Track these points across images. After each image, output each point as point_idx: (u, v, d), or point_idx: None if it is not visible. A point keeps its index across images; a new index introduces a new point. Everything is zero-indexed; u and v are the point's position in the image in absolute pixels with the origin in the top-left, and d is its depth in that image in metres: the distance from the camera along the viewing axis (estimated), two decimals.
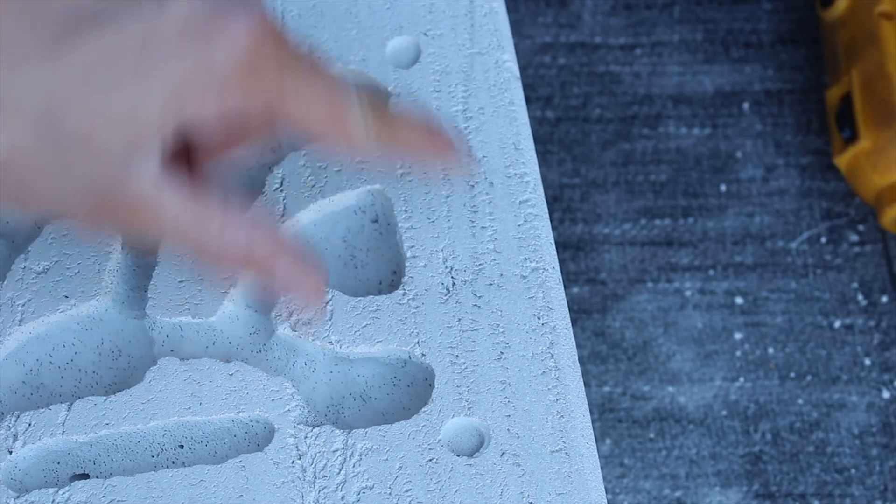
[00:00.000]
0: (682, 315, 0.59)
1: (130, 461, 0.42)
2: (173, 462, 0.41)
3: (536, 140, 0.62)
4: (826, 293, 0.59)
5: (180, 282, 0.43)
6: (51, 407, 0.41)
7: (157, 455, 0.42)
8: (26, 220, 0.44)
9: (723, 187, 0.62)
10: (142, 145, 0.34)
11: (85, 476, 0.41)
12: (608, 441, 0.56)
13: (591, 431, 0.42)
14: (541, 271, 0.44)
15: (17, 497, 0.40)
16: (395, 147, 0.39)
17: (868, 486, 0.55)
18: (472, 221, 0.45)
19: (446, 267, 0.44)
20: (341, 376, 0.43)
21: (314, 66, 0.36)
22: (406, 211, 0.45)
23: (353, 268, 0.46)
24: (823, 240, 0.61)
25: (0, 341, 0.42)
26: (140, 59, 0.33)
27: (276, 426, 0.41)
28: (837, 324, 0.59)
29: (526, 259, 0.44)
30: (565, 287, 0.59)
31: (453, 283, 0.44)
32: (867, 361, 0.58)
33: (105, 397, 0.41)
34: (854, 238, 0.61)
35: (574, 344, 0.43)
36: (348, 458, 0.41)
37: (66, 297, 0.43)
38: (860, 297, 0.59)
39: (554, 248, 0.45)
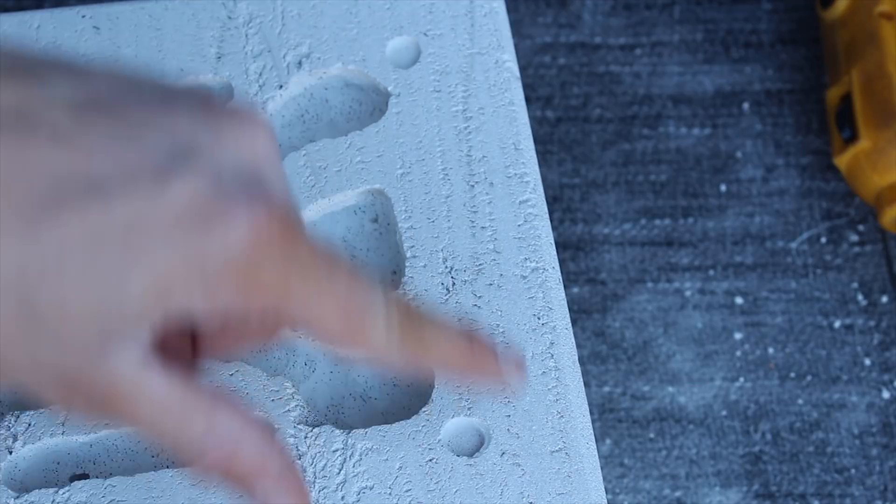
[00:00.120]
0: (682, 315, 0.59)
1: (130, 461, 0.42)
2: (173, 462, 0.41)
3: (536, 140, 0.62)
4: (826, 293, 0.59)
5: None
6: (51, 407, 0.41)
7: (157, 455, 0.42)
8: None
9: (723, 187, 0.62)
10: (119, 334, 0.30)
11: (85, 476, 0.41)
12: (608, 441, 0.56)
13: (591, 431, 0.42)
14: (541, 271, 0.44)
15: (17, 497, 0.40)
16: (424, 361, 0.35)
17: (868, 486, 0.55)
18: (472, 221, 0.45)
19: (446, 267, 0.44)
20: (341, 376, 0.43)
21: (330, 268, 0.32)
22: (406, 211, 0.45)
23: None
24: (823, 240, 0.61)
25: None
26: (125, 244, 0.29)
27: (276, 426, 0.41)
28: (837, 324, 0.59)
29: (526, 259, 0.44)
30: (565, 287, 0.59)
31: (453, 283, 0.44)
32: (867, 361, 0.58)
33: None
34: (854, 238, 0.61)
35: (574, 344, 0.43)
36: (348, 458, 0.41)
37: None
38: (860, 297, 0.59)
39: (554, 248, 0.45)
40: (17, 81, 0.30)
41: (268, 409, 0.41)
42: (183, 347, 0.35)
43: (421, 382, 0.43)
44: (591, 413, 0.56)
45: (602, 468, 0.55)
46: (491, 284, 0.44)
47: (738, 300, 0.59)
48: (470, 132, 0.46)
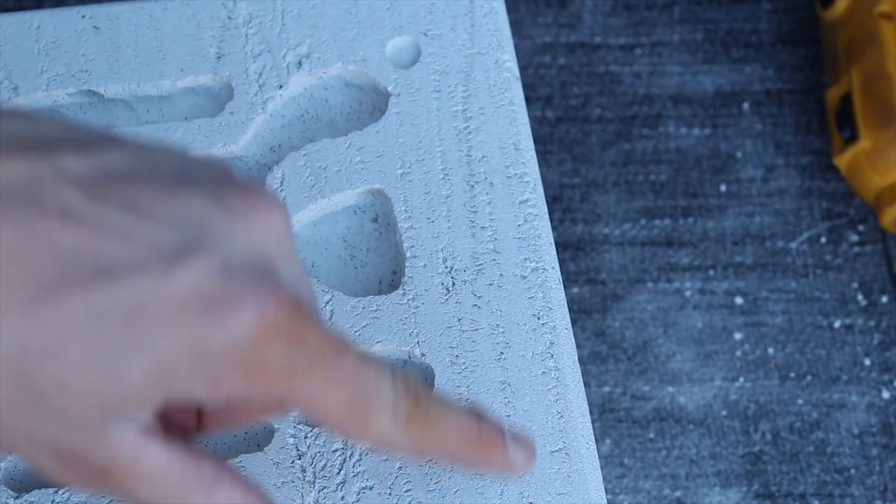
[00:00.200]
0: (682, 315, 0.59)
1: None
2: None
3: (536, 140, 0.62)
4: (826, 293, 0.59)
5: None
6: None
7: None
8: None
9: (723, 187, 0.62)
10: (119, 414, 0.30)
11: None
12: (608, 441, 0.56)
13: (591, 431, 0.42)
14: (541, 271, 0.44)
15: (17, 497, 0.40)
16: (429, 452, 0.34)
17: (868, 486, 0.55)
18: (472, 221, 0.45)
19: (446, 267, 0.44)
20: None
21: (337, 356, 0.31)
22: (406, 211, 0.45)
23: (353, 268, 0.46)
24: (823, 240, 0.61)
25: None
26: (128, 328, 0.29)
27: (275, 426, 0.41)
28: (837, 324, 0.59)
29: (526, 259, 0.44)
30: (565, 287, 0.59)
31: (453, 283, 0.44)
32: (867, 361, 0.58)
33: None
34: (854, 238, 0.61)
35: (574, 344, 0.43)
36: (348, 458, 0.41)
37: None
38: (860, 297, 0.59)
39: (554, 248, 0.45)
40: (27, 154, 0.29)
41: None
42: (187, 419, 0.34)
43: (421, 382, 0.43)
44: (591, 413, 0.56)
45: (602, 468, 0.55)
46: (491, 284, 0.44)
47: (738, 300, 0.59)
48: (470, 132, 0.46)
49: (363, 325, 0.43)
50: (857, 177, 0.58)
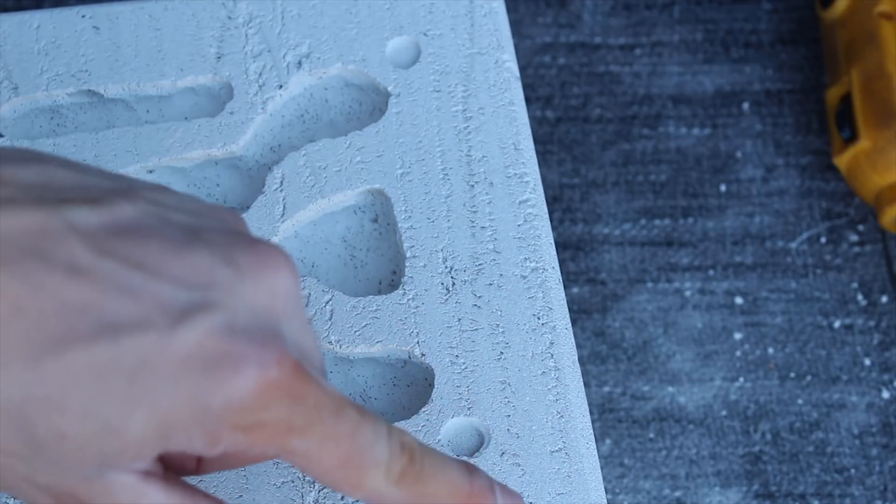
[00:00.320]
0: (682, 315, 0.59)
1: None
2: None
3: (536, 140, 0.62)
4: (826, 293, 0.59)
5: None
6: None
7: None
8: None
9: (723, 187, 0.62)
10: (117, 465, 0.30)
11: None
12: (608, 441, 0.56)
13: (591, 431, 0.42)
14: (541, 271, 0.44)
15: (16, 498, 0.40)
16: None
17: (868, 486, 0.55)
18: (472, 221, 0.45)
19: (446, 267, 0.44)
20: (341, 376, 0.43)
21: (335, 414, 0.32)
22: (406, 211, 0.45)
23: (353, 268, 0.46)
24: (823, 240, 0.61)
25: None
26: (129, 384, 0.29)
27: None
28: (837, 324, 0.59)
29: (526, 259, 0.44)
30: (565, 287, 0.59)
31: (453, 283, 0.44)
32: (867, 361, 0.58)
33: None
34: (854, 238, 0.61)
35: (574, 344, 0.43)
36: None
37: None
38: (860, 297, 0.59)
39: (554, 248, 0.45)
40: (38, 205, 0.30)
41: None
42: (187, 462, 0.34)
43: (421, 382, 0.43)
44: (591, 413, 0.56)
45: (602, 468, 0.55)
46: (491, 284, 0.44)
47: (738, 300, 0.59)
48: (470, 132, 0.46)
49: (363, 325, 0.43)
50: (857, 177, 0.58)
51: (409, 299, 0.43)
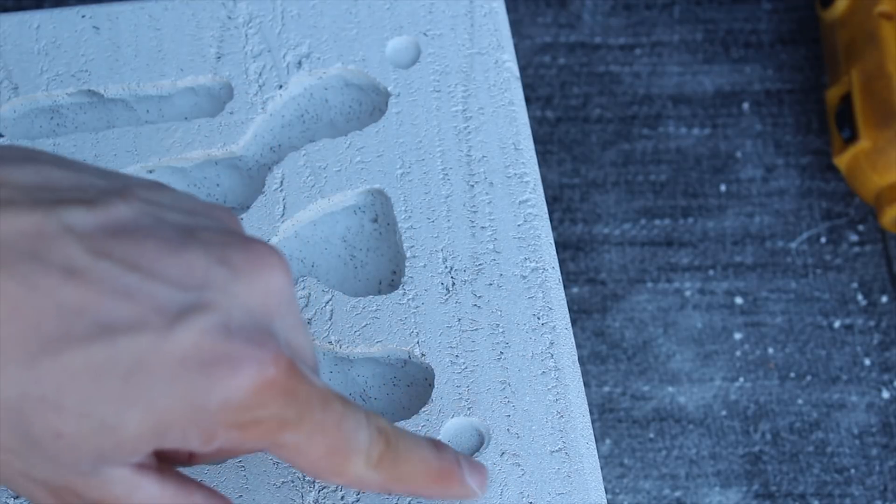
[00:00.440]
0: (682, 315, 0.59)
1: None
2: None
3: (536, 140, 0.62)
4: (826, 293, 0.59)
5: None
6: None
7: None
8: None
9: (723, 187, 0.62)
10: (112, 460, 0.31)
11: None
12: (608, 441, 0.56)
13: (591, 431, 0.42)
14: (541, 271, 0.44)
15: (16, 497, 0.40)
16: (396, 490, 0.35)
17: (868, 486, 0.55)
18: (472, 221, 0.45)
19: (446, 267, 0.44)
20: (341, 376, 0.43)
21: (324, 407, 0.33)
22: (406, 211, 0.45)
23: (353, 268, 0.46)
24: (823, 240, 0.61)
25: None
26: (126, 384, 0.30)
27: None
28: (837, 324, 0.59)
29: (526, 259, 0.44)
30: (565, 287, 0.59)
31: (453, 283, 0.44)
32: (867, 361, 0.58)
33: None
34: (854, 238, 0.61)
35: (574, 344, 0.43)
36: None
37: None
38: (860, 297, 0.59)
39: (554, 248, 0.45)
40: (34, 207, 0.30)
41: None
42: (179, 454, 0.35)
43: (421, 382, 0.43)
44: (591, 413, 0.56)
45: (602, 468, 0.55)
46: (491, 284, 0.44)
47: (738, 300, 0.59)
48: (470, 132, 0.46)
49: (363, 325, 0.43)
50: (857, 177, 0.58)
51: (409, 299, 0.43)
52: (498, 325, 0.43)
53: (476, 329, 0.43)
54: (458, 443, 0.41)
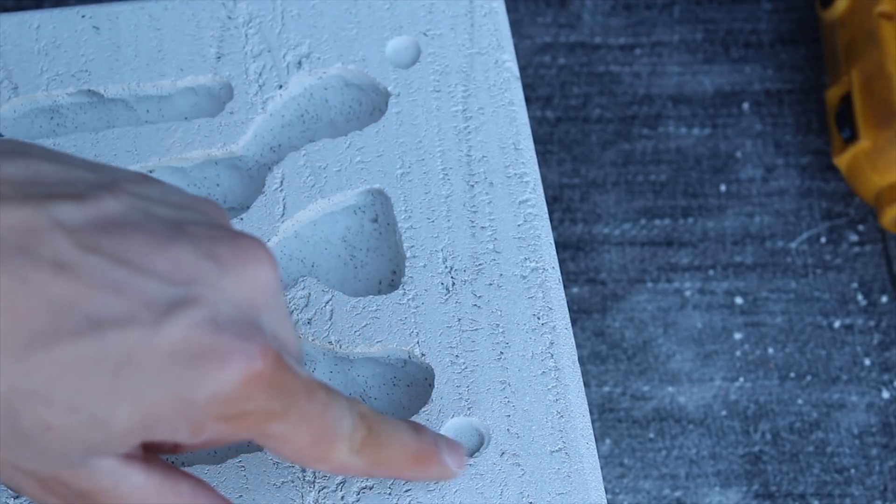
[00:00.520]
0: (682, 315, 0.59)
1: None
2: (173, 462, 0.41)
3: (536, 140, 0.62)
4: (826, 293, 0.59)
5: None
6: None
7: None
8: None
9: (723, 187, 0.62)
10: (100, 452, 0.31)
11: None
12: (608, 441, 0.56)
13: (591, 431, 0.42)
14: (541, 271, 0.44)
15: (16, 497, 0.40)
16: (377, 474, 0.36)
17: (868, 486, 0.55)
18: (472, 221, 0.45)
19: (446, 267, 0.44)
20: (341, 376, 0.43)
21: (308, 396, 0.33)
22: (406, 211, 0.45)
23: (353, 268, 0.46)
24: (823, 240, 0.61)
25: None
26: (115, 377, 0.30)
27: None
28: (837, 324, 0.59)
29: (526, 259, 0.44)
30: (565, 287, 0.59)
31: (453, 283, 0.44)
32: (867, 361, 0.58)
33: None
34: (854, 238, 0.61)
35: (574, 344, 0.43)
36: None
37: None
38: (860, 297, 0.59)
39: (554, 248, 0.45)
40: (24, 202, 0.30)
41: None
42: (165, 443, 0.35)
43: (421, 382, 0.43)
44: (591, 413, 0.56)
45: (602, 468, 0.55)
46: (491, 284, 0.44)
47: (738, 300, 0.59)
48: (470, 132, 0.46)
49: (363, 325, 0.43)
50: (857, 177, 0.58)
51: (409, 299, 0.43)
52: (498, 325, 0.43)
53: (476, 329, 0.43)
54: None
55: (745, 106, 0.64)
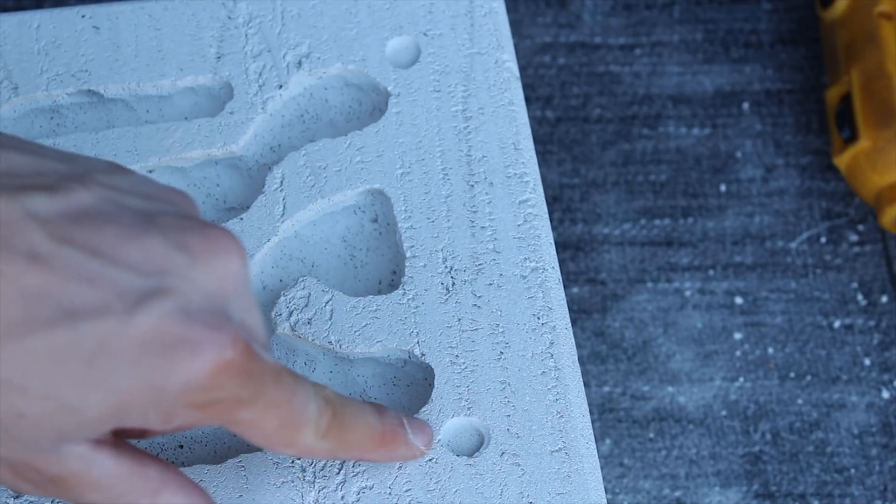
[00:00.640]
0: (682, 315, 0.59)
1: None
2: (173, 462, 0.41)
3: (536, 140, 0.62)
4: (826, 293, 0.59)
5: None
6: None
7: (157, 455, 0.42)
8: None
9: (723, 187, 0.62)
10: (72, 439, 0.32)
11: None
12: (608, 441, 0.56)
13: (591, 431, 0.42)
14: (541, 271, 0.44)
15: (16, 497, 0.40)
16: (342, 456, 0.37)
17: (868, 486, 0.55)
18: (472, 221, 0.45)
19: (446, 267, 0.44)
20: (341, 376, 0.43)
21: (276, 383, 0.34)
22: (406, 211, 0.45)
23: (353, 268, 0.46)
24: (823, 240, 0.61)
25: None
26: (88, 367, 0.30)
27: None
28: (837, 324, 0.59)
29: (526, 259, 0.44)
30: (565, 287, 0.59)
31: (453, 283, 0.44)
32: (867, 361, 0.58)
33: None
34: (854, 238, 0.61)
35: (574, 344, 0.43)
36: None
37: None
38: (860, 297, 0.59)
39: (554, 248, 0.45)
40: None
41: None
42: (135, 429, 0.35)
43: (421, 382, 0.43)
44: (591, 413, 0.56)
45: (602, 468, 0.55)
46: (491, 284, 0.44)
47: (738, 300, 0.59)
48: (470, 132, 0.46)
49: (363, 325, 0.43)
50: (857, 177, 0.58)
51: (409, 299, 0.43)
52: (498, 325, 0.43)
53: (476, 329, 0.43)
54: (458, 443, 0.41)
55: (745, 106, 0.64)
